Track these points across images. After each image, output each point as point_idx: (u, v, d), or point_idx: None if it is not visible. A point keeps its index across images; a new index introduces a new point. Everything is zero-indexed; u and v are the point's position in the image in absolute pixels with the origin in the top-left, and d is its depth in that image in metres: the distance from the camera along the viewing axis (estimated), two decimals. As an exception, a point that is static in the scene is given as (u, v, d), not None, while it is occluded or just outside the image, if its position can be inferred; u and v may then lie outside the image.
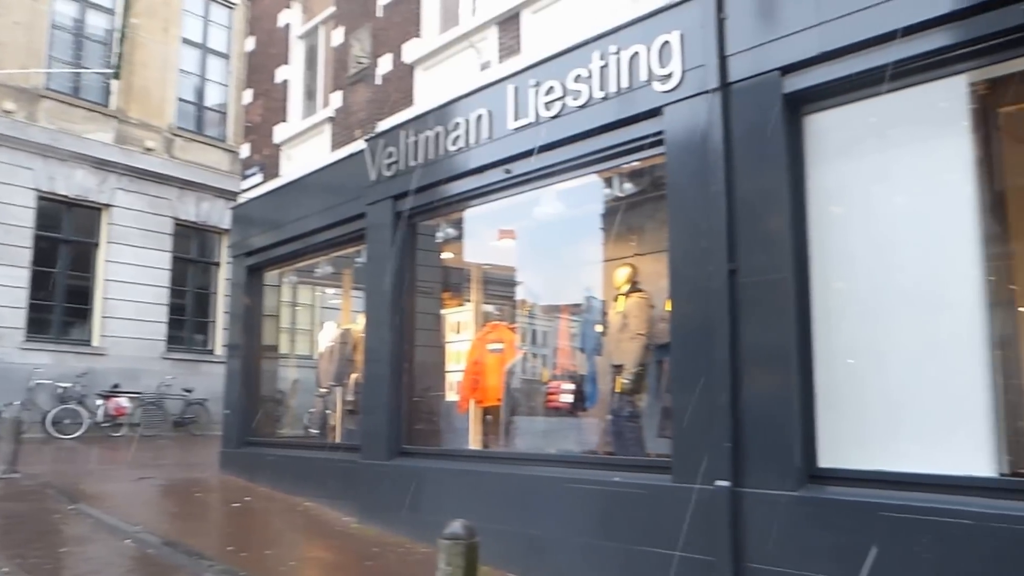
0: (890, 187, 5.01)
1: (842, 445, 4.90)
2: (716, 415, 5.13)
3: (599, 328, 7.57)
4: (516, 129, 6.93)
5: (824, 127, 5.23)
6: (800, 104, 5.24)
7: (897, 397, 4.79)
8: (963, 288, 4.61)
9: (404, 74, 8.79)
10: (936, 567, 4.18)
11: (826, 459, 4.90)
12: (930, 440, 4.63)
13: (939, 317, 4.72)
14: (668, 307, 5.86)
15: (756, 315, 5.09)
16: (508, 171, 7.06)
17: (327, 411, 10.68)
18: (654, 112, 5.84)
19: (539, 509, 6.19)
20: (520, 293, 8.80)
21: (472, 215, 8.13)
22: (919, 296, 4.80)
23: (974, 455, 4.44)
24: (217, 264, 18.15)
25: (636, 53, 5.99)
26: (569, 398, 7.54)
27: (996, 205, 5.36)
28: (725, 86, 5.40)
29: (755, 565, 4.86)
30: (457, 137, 7.52)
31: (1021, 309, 5.93)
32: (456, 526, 4.15)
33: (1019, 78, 4.90)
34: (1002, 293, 5.29)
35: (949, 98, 4.77)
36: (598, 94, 6.25)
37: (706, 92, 5.48)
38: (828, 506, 4.66)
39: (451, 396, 8.48)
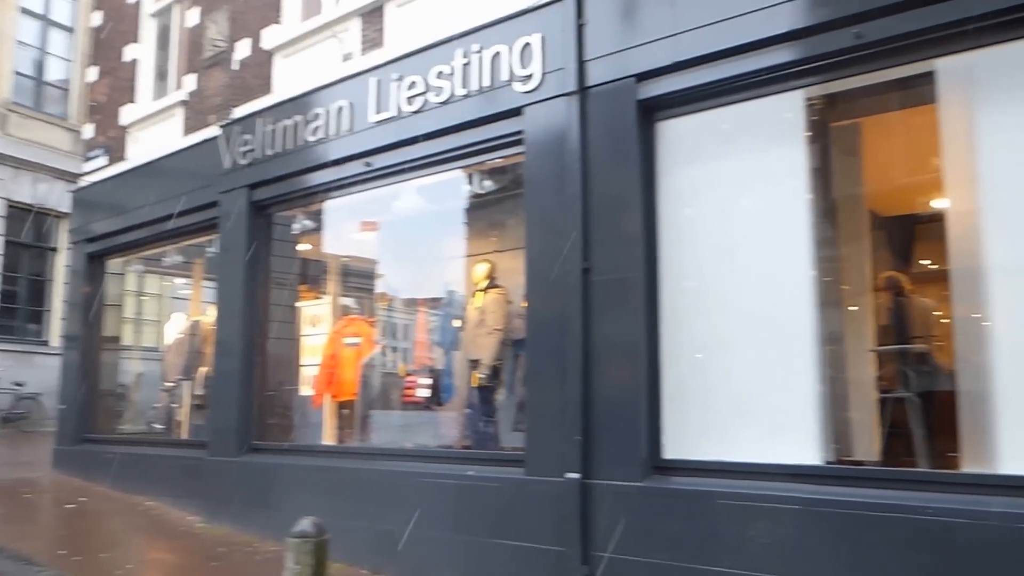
0: (736, 192, 5.28)
1: (686, 437, 5.14)
2: (568, 409, 5.28)
3: (457, 323, 7.63)
4: (378, 122, 6.88)
5: (676, 133, 5.47)
6: (654, 110, 5.46)
7: (738, 391, 5.06)
8: (798, 288, 4.92)
9: (263, 60, 8.55)
10: (768, 549, 4.45)
11: (671, 451, 5.14)
12: (766, 431, 4.91)
13: (777, 315, 5.01)
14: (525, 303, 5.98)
15: (608, 312, 5.27)
16: (369, 164, 6.99)
17: (173, 406, 10.26)
18: (515, 112, 5.95)
19: (394, 504, 6.17)
20: (380, 287, 8.75)
21: (332, 207, 8.00)
22: (759, 295, 5.08)
23: (804, 445, 4.75)
24: (55, 249, 16.98)
25: (498, 53, 6.07)
26: (426, 392, 7.58)
27: (829, 212, 5.77)
28: (583, 90, 5.56)
29: (603, 554, 5.03)
30: (317, 128, 7.38)
31: (851, 308, 6.43)
32: (305, 523, 4.08)
33: (850, 95, 5.31)
34: (832, 293, 5.71)
35: (789, 111, 5.07)
36: (460, 91, 6.29)
37: (565, 95, 5.62)
38: (671, 495, 4.89)
39: (305, 390, 8.32)
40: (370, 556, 6.13)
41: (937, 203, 4.98)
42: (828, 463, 4.74)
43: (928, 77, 4.62)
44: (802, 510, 4.42)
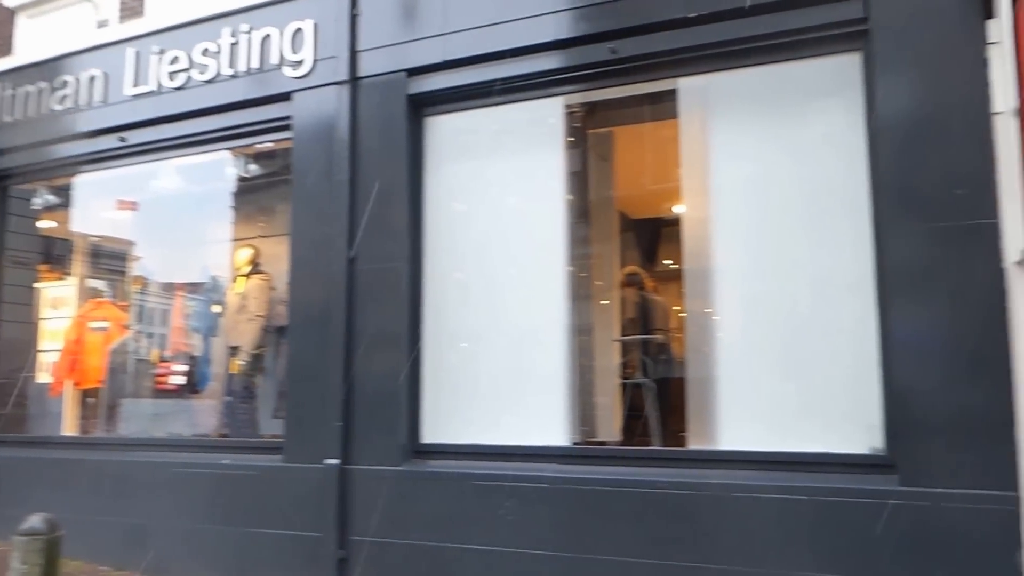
0: (500, 189, 5.51)
1: (445, 422, 5.33)
2: (329, 396, 5.31)
3: (217, 309, 7.38)
4: (135, 96, 6.51)
5: (444, 129, 5.62)
6: (424, 106, 5.58)
7: (495, 378, 5.30)
8: (553, 282, 5.22)
9: (4, 18, 7.78)
10: (518, 526, 4.73)
11: (430, 435, 5.31)
12: (520, 416, 5.17)
13: (533, 307, 5.28)
14: (291, 290, 5.91)
15: (372, 301, 5.35)
16: (123, 139, 6.60)
17: None
18: (283, 96, 5.87)
19: (143, 497, 5.89)
20: (135, 269, 8.24)
21: (82, 182, 7.43)
22: (518, 288, 5.35)
23: (554, 427, 5.07)
24: None
25: (268, 35, 5.96)
26: (180, 380, 7.27)
27: (584, 212, 6.18)
28: (355, 80, 5.59)
29: (360, 538, 5.11)
30: (65, 96, 6.86)
31: (602, 302, 6.93)
32: (35, 520, 3.83)
33: (605, 105, 5.72)
34: (584, 288, 6.13)
35: (551, 116, 5.36)
36: (227, 71, 6.10)
37: (336, 83, 5.62)
38: (428, 479, 5.06)
39: (44, 377, 7.69)
40: (115, 552, 5.81)
41: (677, 209, 5.44)
42: (575, 444, 5.09)
43: (672, 94, 5.07)
44: (550, 488, 4.72)
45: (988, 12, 4.01)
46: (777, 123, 4.79)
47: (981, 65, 4.01)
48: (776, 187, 4.74)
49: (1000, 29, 3.93)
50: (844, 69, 4.54)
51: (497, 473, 4.87)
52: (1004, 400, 3.80)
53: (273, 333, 6.83)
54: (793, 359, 4.56)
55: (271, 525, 5.39)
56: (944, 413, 3.90)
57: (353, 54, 5.61)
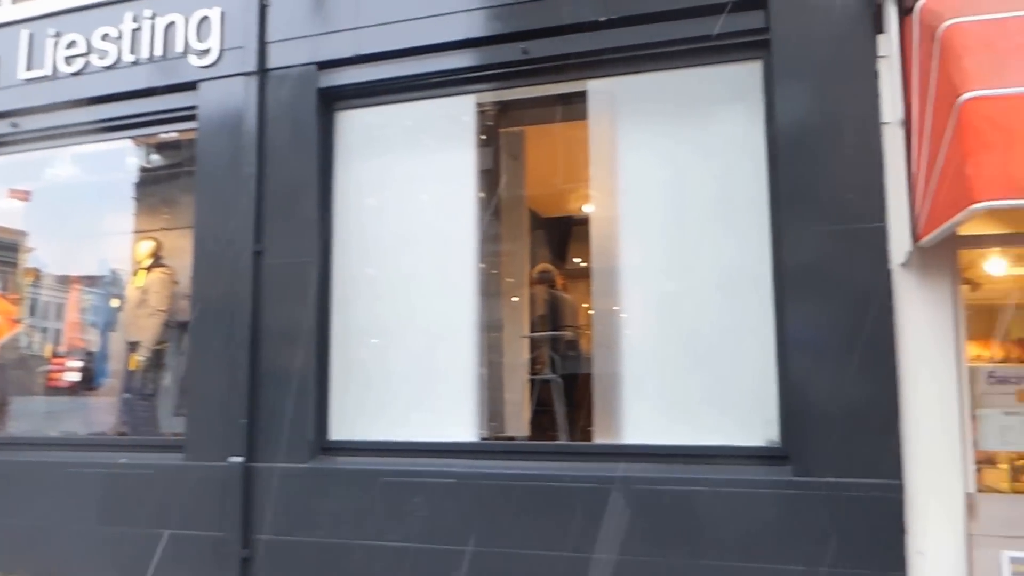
0: (412, 185, 5.49)
1: (354, 419, 5.30)
2: (234, 393, 5.21)
3: (116, 303, 7.14)
4: (28, 80, 6.24)
5: (356, 124, 5.58)
6: (335, 100, 5.53)
7: (405, 374, 5.29)
8: (465, 279, 5.25)
9: None
10: (426, 522, 4.75)
11: (338, 432, 5.28)
12: (430, 411, 5.19)
13: (444, 303, 5.30)
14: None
15: (279, 296, 5.27)
16: (15, 125, 6.31)
17: None
18: (189, 86, 5.72)
19: (33, 498, 5.66)
20: (28, 261, 7.88)
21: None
22: (429, 284, 5.35)
23: (464, 423, 5.10)
24: None
25: (173, 22, 5.81)
26: (75, 376, 7.01)
27: (495, 210, 6.23)
28: (263, 71, 5.49)
29: (265, 536, 5.04)
30: (-51, 77, 6.51)
31: (513, 299, 6.99)
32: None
33: (517, 105, 5.78)
34: (495, 285, 6.18)
35: (464, 114, 5.39)
36: (128, 57, 5.91)
37: (244, 74, 5.52)
38: (336, 475, 5.02)
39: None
40: (6, 556, 5.57)
41: (586, 208, 5.53)
42: (483, 439, 5.14)
43: (582, 95, 5.16)
44: (458, 483, 4.75)
45: (878, 27, 4.24)
46: (683, 126, 4.93)
47: (872, 77, 4.24)
48: (682, 188, 4.88)
49: (889, 44, 4.17)
50: (747, 76, 4.71)
51: (405, 469, 4.88)
52: (891, 394, 4.03)
53: (175, 328, 6.65)
54: (696, 355, 4.71)
55: (172, 525, 5.26)
56: (835, 406, 4.10)
57: (262, 45, 5.51)
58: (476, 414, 5.13)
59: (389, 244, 5.46)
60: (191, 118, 5.75)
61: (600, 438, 4.89)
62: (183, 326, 6.47)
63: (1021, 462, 4.74)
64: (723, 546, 4.20)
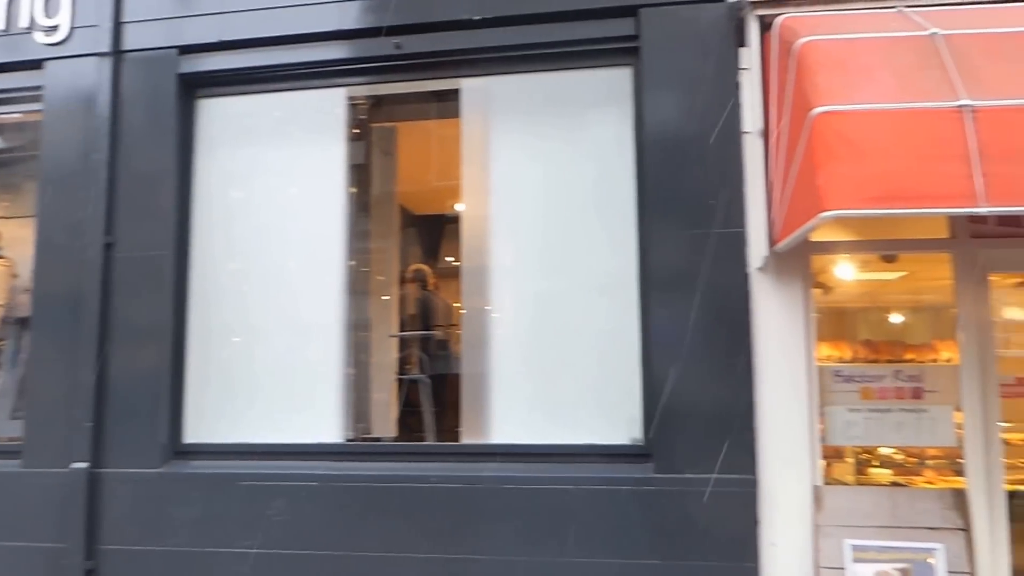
0: (278, 179, 5.31)
1: (212, 421, 5.08)
2: (78, 394, 4.90)
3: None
4: None
5: (220, 113, 5.36)
6: (197, 86, 5.30)
7: (268, 374, 5.11)
8: (332, 277, 5.12)
9: None
10: (287, 526, 4.61)
11: (194, 435, 5.05)
12: (294, 412, 5.04)
13: (310, 301, 5.15)
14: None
15: (131, 291, 5.00)
16: None
17: None
18: (34, 64, 5.34)
19: None
20: None
21: None
22: (296, 280, 5.19)
23: (329, 424, 4.98)
24: None
25: (17, -7, 5.41)
26: None
27: (365, 206, 6.12)
28: (118, 53, 5.19)
29: (111, 547, 4.77)
30: None
31: (383, 297, 6.88)
32: None
33: (390, 100, 5.71)
34: (363, 283, 6.06)
35: (335, 107, 5.26)
36: (-36, 30, 5.47)
37: (96, 55, 5.19)
38: (190, 480, 4.79)
39: None
40: None
41: (458, 206, 5.51)
42: (349, 440, 5.03)
43: (455, 93, 5.13)
44: (321, 486, 4.63)
45: (741, 41, 4.41)
46: (555, 128, 4.97)
47: (734, 88, 4.41)
48: (554, 189, 4.93)
49: (750, 57, 4.36)
50: (617, 81, 4.81)
51: (265, 472, 4.72)
52: (747, 393, 4.22)
53: (13, 325, 6.18)
54: (564, 355, 4.76)
55: (7, 537, 4.89)
56: (695, 405, 4.26)
57: (117, 25, 5.21)
58: (342, 415, 5.01)
59: (254, 238, 5.27)
60: (36, 99, 5.37)
61: (468, 438, 4.87)
62: (23, 322, 6.04)
63: (864, 456, 5.05)
64: (589, 543, 4.28)
